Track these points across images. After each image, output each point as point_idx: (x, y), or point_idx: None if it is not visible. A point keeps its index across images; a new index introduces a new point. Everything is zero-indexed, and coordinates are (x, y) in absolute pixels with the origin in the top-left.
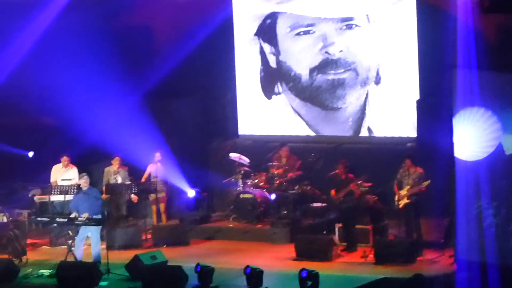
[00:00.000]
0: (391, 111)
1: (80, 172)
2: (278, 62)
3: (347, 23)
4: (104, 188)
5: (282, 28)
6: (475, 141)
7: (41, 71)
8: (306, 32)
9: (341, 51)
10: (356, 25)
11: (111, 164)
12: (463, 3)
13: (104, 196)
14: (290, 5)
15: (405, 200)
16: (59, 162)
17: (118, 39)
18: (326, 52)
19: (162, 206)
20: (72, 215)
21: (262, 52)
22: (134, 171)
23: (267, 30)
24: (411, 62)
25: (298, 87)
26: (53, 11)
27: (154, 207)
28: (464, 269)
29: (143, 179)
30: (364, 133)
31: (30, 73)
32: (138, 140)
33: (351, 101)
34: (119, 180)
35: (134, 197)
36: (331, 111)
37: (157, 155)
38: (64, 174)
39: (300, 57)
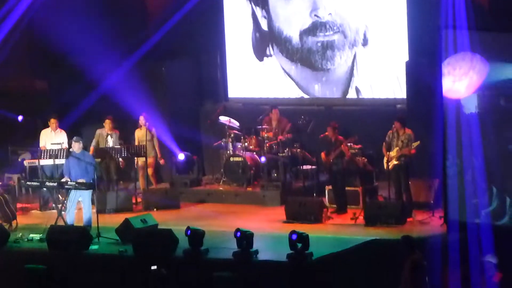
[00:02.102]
0: (379, 72)
1: (70, 136)
2: (270, 25)
3: None
4: (92, 150)
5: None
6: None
7: (31, 34)
8: None
9: (329, 13)
10: None
11: (102, 127)
12: None
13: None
14: None
15: (394, 162)
16: (48, 126)
17: (109, 2)
18: (316, 15)
19: (150, 170)
20: (63, 179)
21: (254, 15)
22: (124, 134)
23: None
24: (400, 24)
25: (289, 49)
26: None
27: (141, 172)
28: (454, 230)
29: (136, 143)
30: (352, 93)
31: (20, 36)
32: (128, 103)
33: (340, 63)
34: (110, 143)
35: (121, 161)
36: (320, 72)
37: (141, 119)
38: (54, 138)
39: (291, 20)
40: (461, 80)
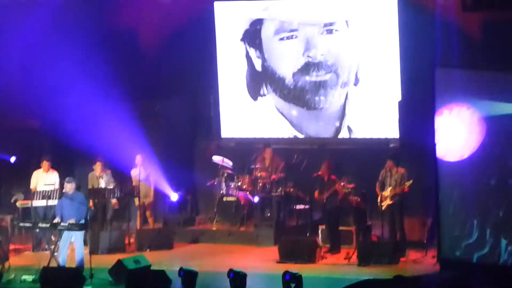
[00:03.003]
0: (372, 111)
1: (62, 176)
2: (264, 65)
3: (328, 28)
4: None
5: (267, 33)
6: (458, 140)
7: (24, 74)
8: (290, 37)
9: (322, 54)
10: (336, 30)
11: (93, 170)
12: (445, 1)
13: (91, 204)
14: (274, 11)
15: (388, 201)
16: (40, 167)
17: (102, 42)
18: (308, 56)
19: (148, 211)
20: (55, 220)
21: (247, 55)
22: (119, 174)
23: (252, 35)
24: (392, 63)
25: (283, 89)
26: (38, 15)
27: (138, 212)
28: (447, 269)
29: (134, 183)
30: (344, 132)
31: (14, 77)
32: (122, 143)
33: (332, 102)
34: (102, 184)
35: (114, 202)
36: (313, 110)
37: (138, 158)
38: (46, 179)
39: (284, 60)
40: (456, 142)
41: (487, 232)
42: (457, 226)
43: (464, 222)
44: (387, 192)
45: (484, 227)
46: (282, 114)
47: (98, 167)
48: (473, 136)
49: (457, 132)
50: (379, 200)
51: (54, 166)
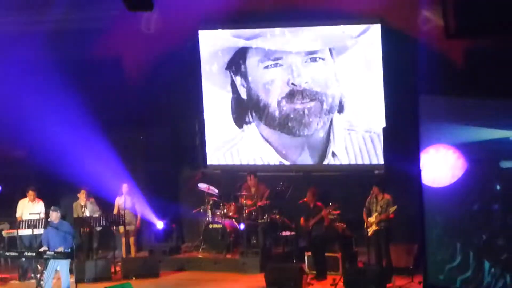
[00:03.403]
0: (356, 138)
1: (47, 206)
2: (249, 93)
3: (312, 56)
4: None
5: (251, 61)
6: (442, 170)
7: (8, 104)
8: (274, 65)
9: (306, 82)
10: (320, 58)
11: (78, 199)
12: (428, 29)
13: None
14: (258, 40)
15: (374, 227)
16: (25, 196)
17: (86, 71)
18: (293, 84)
19: (131, 239)
20: (42, 249)
21: (233, 84)
22: (104, 203)
23: (237, 64)
24: (376, 90)
25: (268, 116)
26: (21, 45)
27: (123, 240)
28: None
29: (114, 212)
30: (329, 159)
31: None
32: (106, 172)
33: (317, 129)
34: (87, 213)
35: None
36: (298, 138)
37: (124, 187)
38: (31, 208)
39: (269, 88)
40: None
41: (470, 255)
42: (441, 250)
43: (448, 246)
44: (373, 218)
45: (467, 250)
46: (268, 142)
47: (82, 195)
48: (457, 167)
49: (441, 166)
50: (365, 226)
51: (39, 196)
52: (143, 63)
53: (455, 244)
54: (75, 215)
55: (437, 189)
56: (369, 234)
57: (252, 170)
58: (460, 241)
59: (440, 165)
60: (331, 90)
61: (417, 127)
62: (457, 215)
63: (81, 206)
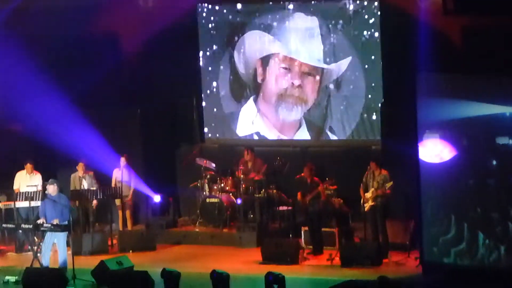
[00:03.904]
0: (353, 114)
1: (45, 178)
2: (246, 68)
3: (309, 32)
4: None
5: (249, 36)
6: (439, 145)
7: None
8: (272, 41)
9: (304, 57)
10: (318, 34)
11: (77, 170)
12: (426, 6)
13: (72, 203)
14: (256, 15)
15: (370, 203)
16: (23, 168)
17: (83, 46)
18: (290, 59)
19: (128, 212)
20: (39, 221)
21: (231, 59)
22: (101, 176)
23: (235, 39)
24: (374, 66)
25: (265, 91)
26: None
27: (120, 213)
28: (430, 271)
29: (112, 185)
30: (326, 135)
31: None
32: (104, 145)
33: (314, 104)
34: (85, 186)
35: (94, 202)
36: (295, 113)
37: (122, 160)
38: (29, 181)
39: (267, 63)
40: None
41: (464, 228)
42: (436, 223)
43: (442, 219)
44: (370, 193)
45: (461, 223)
46: (265, 116)
47: (80, 168)
48: (453, 142)
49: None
50: (362, 201)
51: (37, 168)
52: (141, 38)
53: (450, 217)
54: (72, 188)
55: (434, 165)
56: (366, 209)
57: (249, 145)
58: (455, 214)
59: (437, 141)
60: (328, 65)
61: (414, 103)
62: (453, 190)
63: (80, 178)
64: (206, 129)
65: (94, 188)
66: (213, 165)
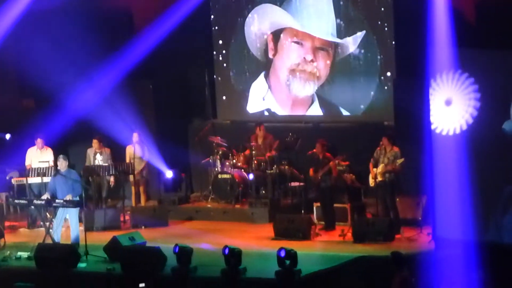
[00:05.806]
0: (367, 89)
1: (56, 154)
2: (259, 43)
3: (319, 5)
4: (82, 170)
5: (262, 11)
6: (454, 111)
7: (19, 52)
8: (283, 14)
9: (315, 31)
10: (332, 6)
11: (91, 146)
12: None
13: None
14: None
15: (379, 178)
16: (34, 145)
17: (97, 21)
18: (302, 33)
19: (141, 188)
20: (43, 197)
21: (242, 34)
22: (115, 152)
23: (247, 14)
24: (387, 40)
25: (276, 67)
26: None
27: (133, 188)
28: (442, 247)
29: (127, 161)
30: (339, 110)
31: (7, 55)
32: (117, 121)
33: (327, 80)
34: (99, 161)
35: (111, 179)
36: (307, 88)
37: (135, 136)
38: (40, 157)
39: (278, 37)
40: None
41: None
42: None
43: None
44: (379, 169)
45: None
46: (277, 92)
47: (95, 143)
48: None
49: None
50: (371, 177)
51: (48, 144)
52: (154, 13)
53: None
54: (87, 163)
55: (447, 137)
56: (371, 184)
57: (261, 121)
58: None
59: (451, 114)
60: (341, 40)
61: (427, 79)
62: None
63: (94, 153)
64: (217, 105)
65: (107, 164)
66: (225, 141)
